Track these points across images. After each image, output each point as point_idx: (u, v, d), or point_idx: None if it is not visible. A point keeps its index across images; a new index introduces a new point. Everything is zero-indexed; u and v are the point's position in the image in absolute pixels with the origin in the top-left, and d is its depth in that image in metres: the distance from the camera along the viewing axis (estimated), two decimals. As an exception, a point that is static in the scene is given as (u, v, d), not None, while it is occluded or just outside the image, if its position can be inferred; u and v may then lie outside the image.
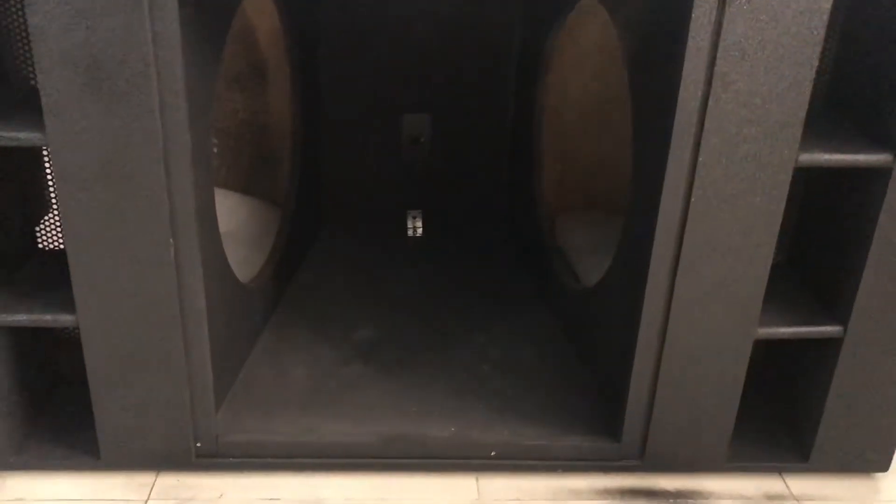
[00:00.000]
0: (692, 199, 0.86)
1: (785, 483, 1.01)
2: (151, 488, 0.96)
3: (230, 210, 1.35)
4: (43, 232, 1.08)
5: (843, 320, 0.92)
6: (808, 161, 0.84)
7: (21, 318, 0.90)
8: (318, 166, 1.53)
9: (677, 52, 0.80)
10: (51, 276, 0.95)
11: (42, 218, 1.06)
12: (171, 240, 0.85)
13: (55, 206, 1.07)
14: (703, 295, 0.90)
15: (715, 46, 0.79)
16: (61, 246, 1.09)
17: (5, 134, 0.81)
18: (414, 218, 1.61)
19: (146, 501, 0.94)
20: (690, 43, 0.79)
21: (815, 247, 0.99)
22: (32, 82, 0.97)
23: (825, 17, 0.78)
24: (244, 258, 1.25)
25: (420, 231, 1.60)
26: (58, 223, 1.09)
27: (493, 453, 1.00)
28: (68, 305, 0.88)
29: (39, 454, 0.97)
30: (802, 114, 0.82)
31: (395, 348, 1.21)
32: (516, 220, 1.55)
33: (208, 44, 0.90)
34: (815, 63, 0.80)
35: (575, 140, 1.39)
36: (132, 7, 0.76)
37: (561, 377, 1.15)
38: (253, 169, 1.46)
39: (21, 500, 0.94)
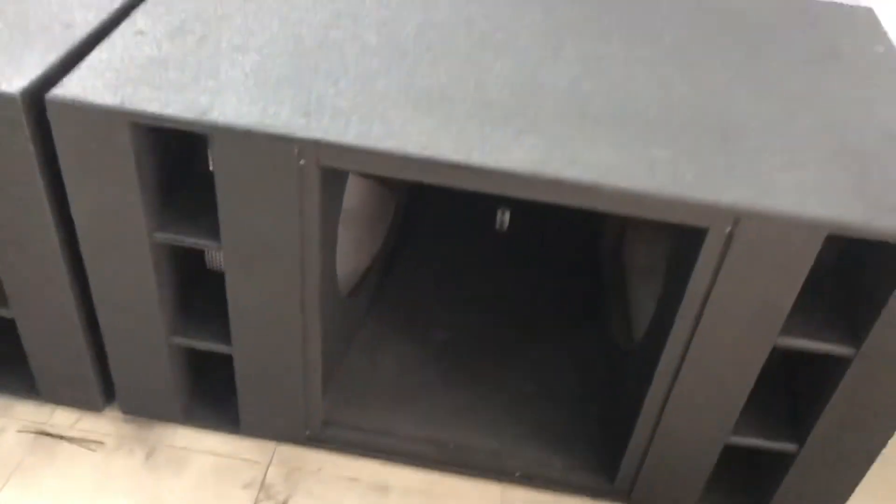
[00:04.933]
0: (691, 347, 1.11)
1: (738, 533, 1.31)
2: (273, 454, 1.36)
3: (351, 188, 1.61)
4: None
5: (800, 439, 1.18)
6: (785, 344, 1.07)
7: (188, 342, 1.27)
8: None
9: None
10: (213, 304, 1.29)
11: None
12: (301, 305, 1.17)
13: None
14: (692, 402, 1.17)
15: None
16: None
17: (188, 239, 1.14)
18: (503, 212, 1.86)
19: (269, 464, 1.34)
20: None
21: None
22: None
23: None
24: (357, 239, 1.54)
25: (506, 226, 1.85)
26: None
27: (517, 473, 1.33)
28: (226, 336, 1.24)
29: (201, 416, 1.38)
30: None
31: (464, 353, 1.53)
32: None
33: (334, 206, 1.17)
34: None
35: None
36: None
37: (592, 408, 1.44)
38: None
39: (186, 448, 1.35)
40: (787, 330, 1.06)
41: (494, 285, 1.70)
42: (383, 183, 1.60)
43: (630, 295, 1.53)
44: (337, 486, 1.32)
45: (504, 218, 1.91)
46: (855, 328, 1.06)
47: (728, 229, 0.98)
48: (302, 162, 1.02)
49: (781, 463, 1.23)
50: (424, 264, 1.74)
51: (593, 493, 1.33)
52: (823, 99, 1.17)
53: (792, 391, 1.23)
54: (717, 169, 1.01)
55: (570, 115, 1.08)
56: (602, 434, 1.39)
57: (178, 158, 1.17)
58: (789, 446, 1.19)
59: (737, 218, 0.97)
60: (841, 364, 1.09)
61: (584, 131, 1.06)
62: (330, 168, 1.04)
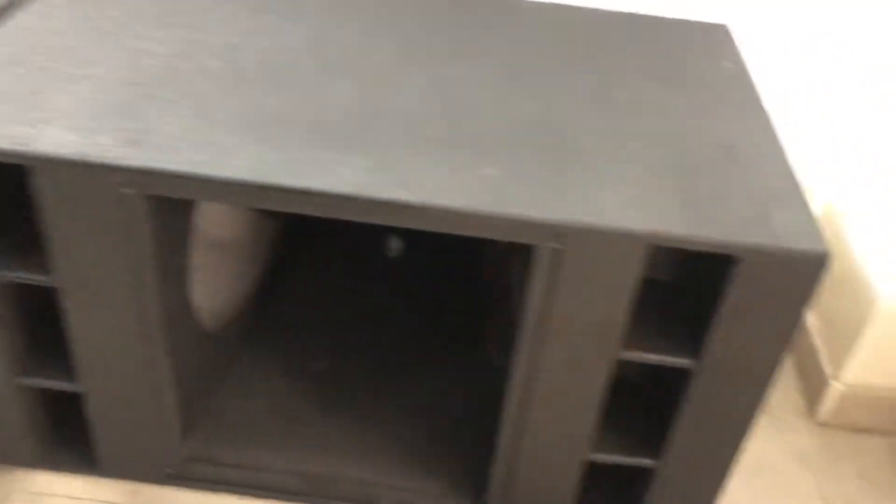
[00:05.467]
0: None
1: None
2: (134, 495, 1.31)
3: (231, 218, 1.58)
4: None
5: (657, 453, 1.18)
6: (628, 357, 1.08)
7: (35, 382, 1.22)
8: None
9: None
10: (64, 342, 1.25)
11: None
12: (145, 339, 1.14)
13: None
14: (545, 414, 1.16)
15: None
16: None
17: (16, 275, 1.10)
18: (393, 239, 1.85)
19: (130, 505, 1.30)
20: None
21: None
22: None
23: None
24: (231, 269, 1.51)
25: (401, 251, 1.84)
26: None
27: (383, 503, 1.31)
28: (75, 374, 1.20)
29: (59, 459, 1.33)
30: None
31: (342, 383, 1.50)
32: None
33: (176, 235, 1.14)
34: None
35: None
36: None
37: (469, 433, 1.42)
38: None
39: (42, 493, 1.30)
40: (628, 343, 1.07)
41: (381, 312, 1.68)
42: (260, 211, 1.58)
43: (506, 316, 1.52)
44: (200, 525, 1.28)
45: (394, 244, 1.90)
46: (695, 340, 1.07)
47: (554, 245, 0.98)
48: (127, 191, 1.00)
49: (645, 478, 1.23)
50: (309, 292, 1.71)
51: (468, 524, 1.32)
52: (665, 115, 1.19)
53: (651, 406, 1.23)
54: (548, 186, 1.02)
55: (407, 137, 1.08)
56: (476, 457, 1.37)
57: (14, 193, 1.13)
58: (648, 461, 1.19)
59: (561, 233, 0.97)
60: (685, 376, 1.09)
61: (419, 153, 1.05)
62: (158, 197, 1.01)
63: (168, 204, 1.06)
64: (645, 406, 1.23)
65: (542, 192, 1.01)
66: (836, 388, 1.54)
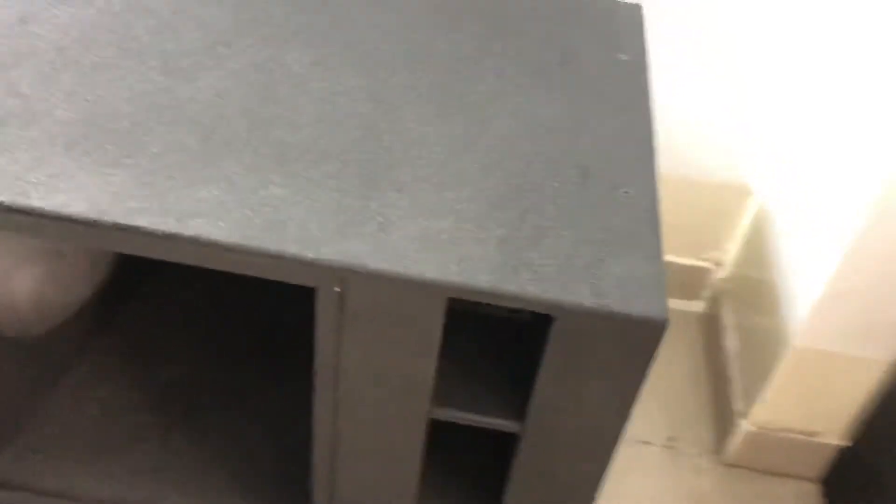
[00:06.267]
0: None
1: None
2: (-73, 522, 1.18)
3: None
4: None
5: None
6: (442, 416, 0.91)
7: None
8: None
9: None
10: None
11: None
12: None
13: None
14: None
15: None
16: None
17: None
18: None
19: (-79, 533, 1.16)
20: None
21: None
22: None
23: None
24: (60, 271, 1.33)
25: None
26: None
27: (206, 543, 1.17)
28: None
29: None
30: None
31: (189, 396, 1.34)
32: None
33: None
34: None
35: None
36: None
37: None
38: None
39: None
40: (440, 402, 0.90)
41: (242, 318, 1.49)
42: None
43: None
44: (-7, 561, 1.15)
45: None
46: (523, 397, 0.90)
47: (337, 289, 0.80)
48: None
49: (483, 540, 1.07)
50: (167, 293, 1.51)
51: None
52: (522, 121, 0.99)
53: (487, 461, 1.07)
54: (340, 213, 0.83)
55: (191, 142, 0.90)
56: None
57: None
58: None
59: (343, 277, 0.79)
60: (515, 439, 0.93)
61: (197, 163, 0.87)
62: None
63: None
64: (481, 461, 1.06)
65: (329, 221, 0.83)
66: (744, 427, 1.37)
